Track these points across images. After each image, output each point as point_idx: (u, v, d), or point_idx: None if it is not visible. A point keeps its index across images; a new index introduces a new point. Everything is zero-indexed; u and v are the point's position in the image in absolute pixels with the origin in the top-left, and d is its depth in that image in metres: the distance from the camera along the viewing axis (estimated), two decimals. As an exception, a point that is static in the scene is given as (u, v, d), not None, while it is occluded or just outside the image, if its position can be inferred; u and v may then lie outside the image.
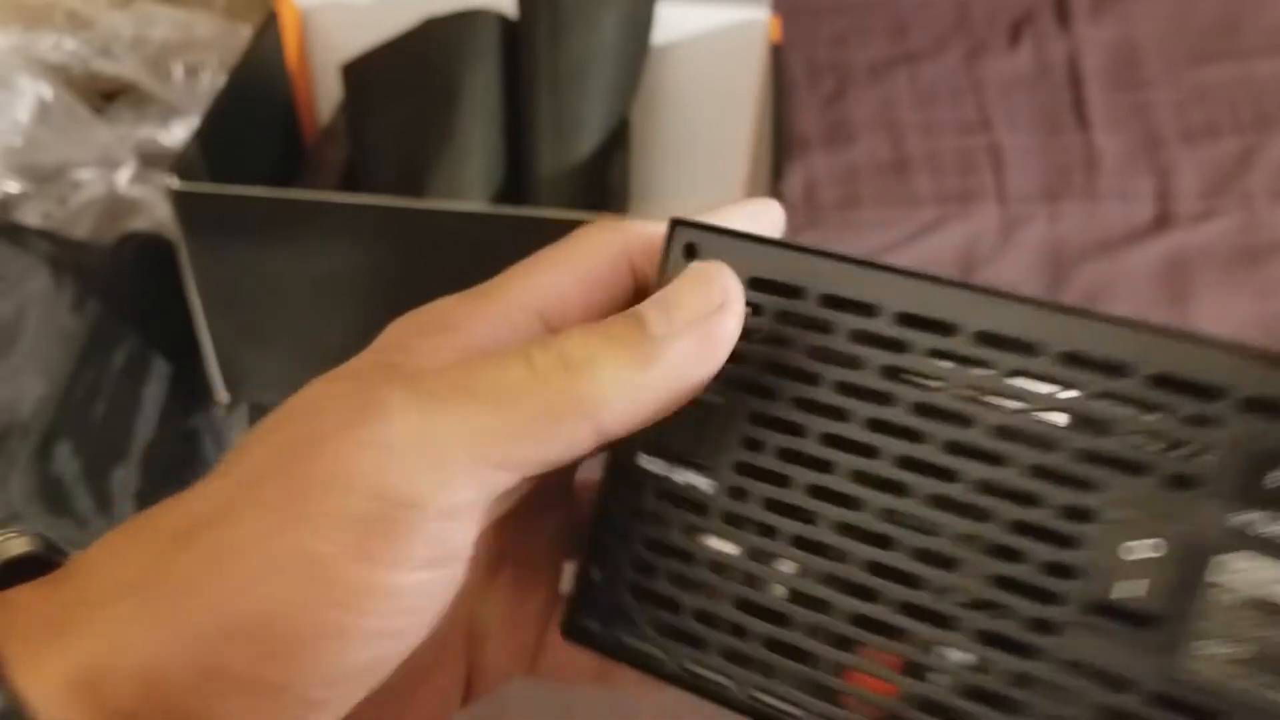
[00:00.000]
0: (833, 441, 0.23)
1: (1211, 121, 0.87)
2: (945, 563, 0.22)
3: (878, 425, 0.23)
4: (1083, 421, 0.21)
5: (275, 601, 0.19)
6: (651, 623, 0.24)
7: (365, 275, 0.64)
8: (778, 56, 0.76)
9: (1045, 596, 0.21)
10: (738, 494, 0.24)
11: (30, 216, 0.75)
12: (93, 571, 0.20)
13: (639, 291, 0.24)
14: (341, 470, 0.19)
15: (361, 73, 0.76)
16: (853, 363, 0.23)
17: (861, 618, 0.23)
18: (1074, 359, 0.21)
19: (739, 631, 0.24)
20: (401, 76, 0.73)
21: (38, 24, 0.79)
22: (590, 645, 0.25)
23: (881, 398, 0.23)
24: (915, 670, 0.22)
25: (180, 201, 0.60)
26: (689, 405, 0.22)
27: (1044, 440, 0.22)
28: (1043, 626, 0.21)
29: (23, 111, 0.76)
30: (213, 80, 0.81)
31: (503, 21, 0.73)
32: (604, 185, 0.75)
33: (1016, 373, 0.22)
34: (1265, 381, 0.20)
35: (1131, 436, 0.21)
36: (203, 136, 0.64)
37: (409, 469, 0.19)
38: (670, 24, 0.78)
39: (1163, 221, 0.81)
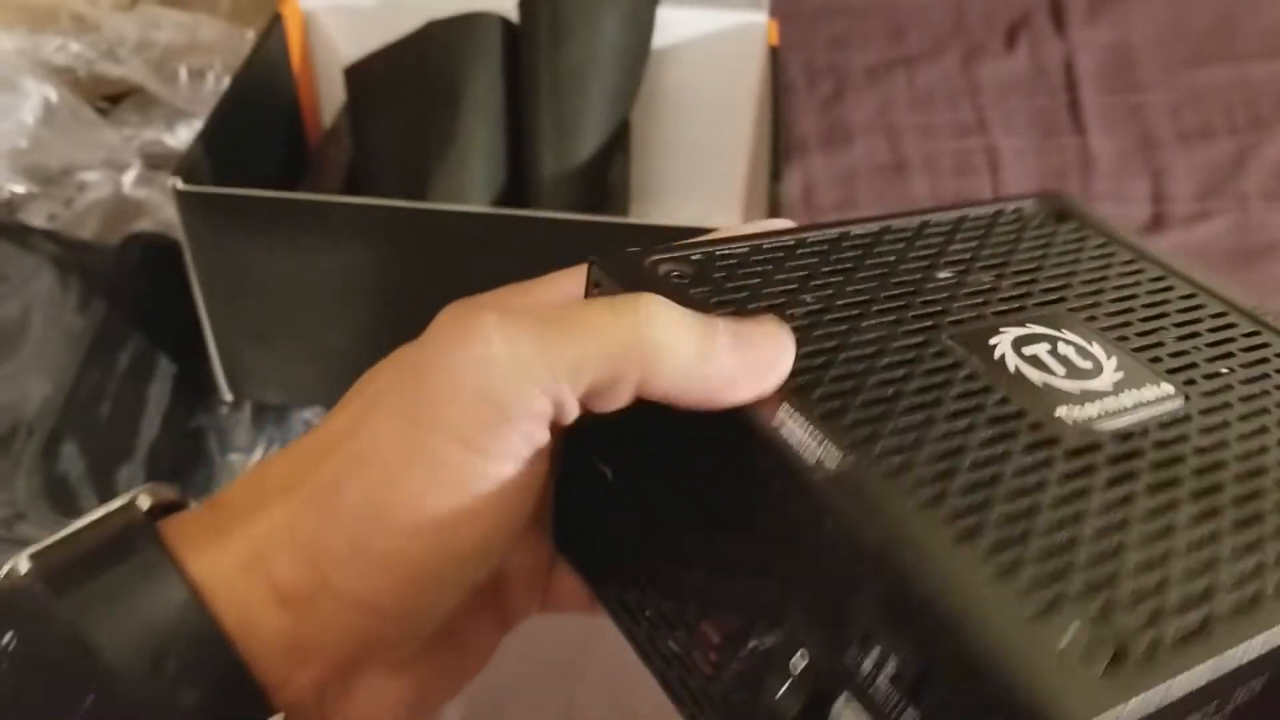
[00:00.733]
0: None
1: (1206, 124, 0.88)
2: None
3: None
4: None
5: (410, 490, 0.22)
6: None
7: (368, 276, 0.64)
8: (776, 59, 0.76)
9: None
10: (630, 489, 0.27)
11: (36, 217, 0.75)
12: (243, 492, 0.24)
13: None
14: (451, 382, 0.22)
15: (364, 75, 0.76)
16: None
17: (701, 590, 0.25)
18: None
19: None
20: (403, 79, 0.74)
21: (43, 27, 0.80)
22: (569, 559, 0.29)
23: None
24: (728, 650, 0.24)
25: (185, 202, 0.61)
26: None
27: None
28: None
29: (28, 113, 0.76)
30: (217, 83, 0.81)
31: (504, 24, 0.73)
32: (604, 187, 0.75)
33: None
34: None
35: None
36: (207, 138, 0.64)
37: (503, 380, 0.22)
38: (670, 27, 0.79)
39: (1158, 223, 0.82)
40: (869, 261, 0.29)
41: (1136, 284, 0.31)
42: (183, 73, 0.81)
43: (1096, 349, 0.27)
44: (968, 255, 0.30)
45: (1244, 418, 0.26)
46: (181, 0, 0.84)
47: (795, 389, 0.23)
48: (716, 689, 0.24)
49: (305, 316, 0.67)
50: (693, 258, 0.28)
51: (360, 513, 0.23)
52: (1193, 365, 0.27)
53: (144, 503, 0.24)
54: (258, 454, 0.69)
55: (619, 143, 0.76)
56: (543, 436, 0.23)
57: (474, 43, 0.72)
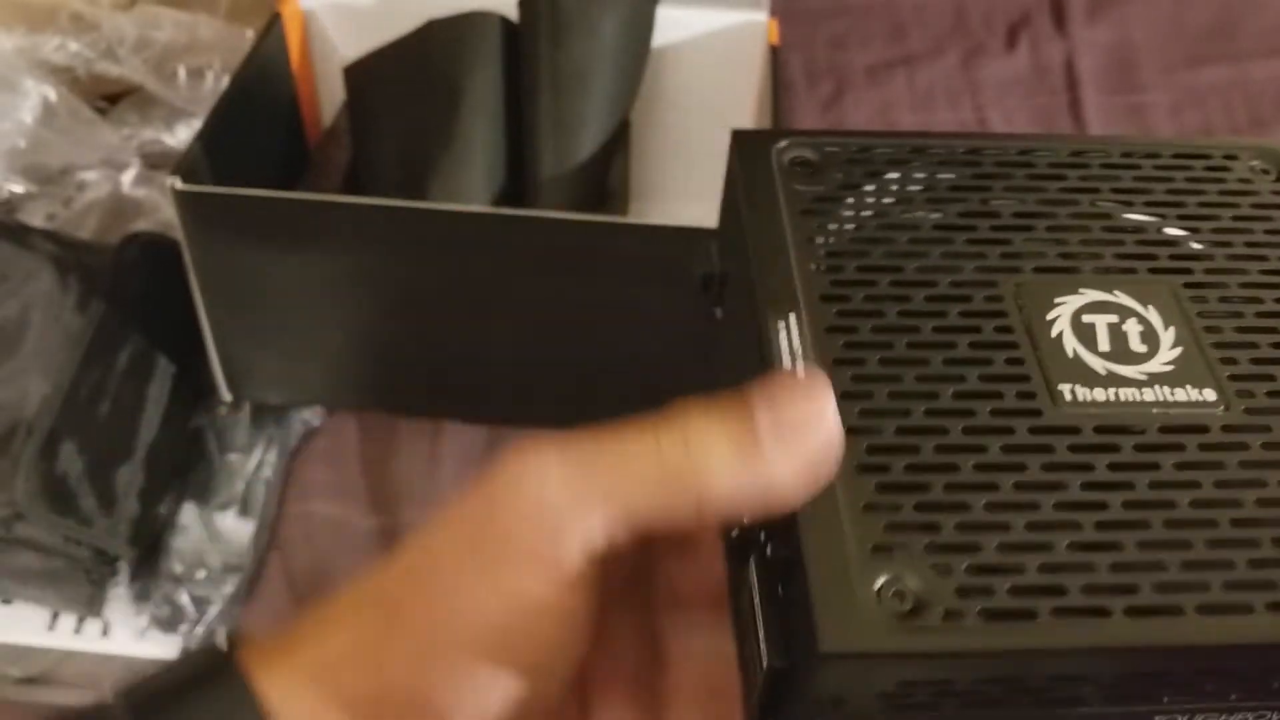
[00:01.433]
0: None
1: (1206, 124, 0.88)
2: None
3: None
4: None
5: (466, 603, 0.24)
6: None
7: (368, 276, 0.64)
8: (776, 58, 0.76)
9: None
10: None
11: (35, 217, 0.75)
12: (312, 614, 0.26)
13: None
14: (509, 507, 0.24)
15: (363, 74, 0.76)
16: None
17: None
18: None
19: None
20: (403, 78, 0.74)
21: (42, 26, 0.80)
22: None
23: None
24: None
25: (184, 202, 0.61)
26: None
27: None
28: None
29: (27, 113, 0.76)
30: (216, 82, 0.81)
31: (504, 24, 0.73)
32: (604, 187, 0.75)
33: None
34: None
35: None
36: (206, 138, 0.64)
37: (555, 510, 0.24)
38: (670, 26, 0.79)
39: (1158, 223, 0.82)
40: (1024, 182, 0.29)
41: None
42: (182, 72, 0.81)
43: (1169, 334, 0.26)
44: (1144, 192, 0.29)
45: (1268, 446, 0.25)
46: (181, 0, 0.84)
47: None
48: None
49: (305, 316, 0.67)
50: (827, 148, 0.28)
51: (420, 622, 0.24)
52: (1270, 379, 0.26)
53: (222, 639, 0.26)
54: (256, 454, 0.69)
55: (619, 143, 0.76)
56: (594, 566, 0.24)
57: (474, 42, 0.72)
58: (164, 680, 0.25)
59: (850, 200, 0.28)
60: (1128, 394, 0.25)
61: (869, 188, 0.28)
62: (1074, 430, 0.24)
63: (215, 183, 0.63)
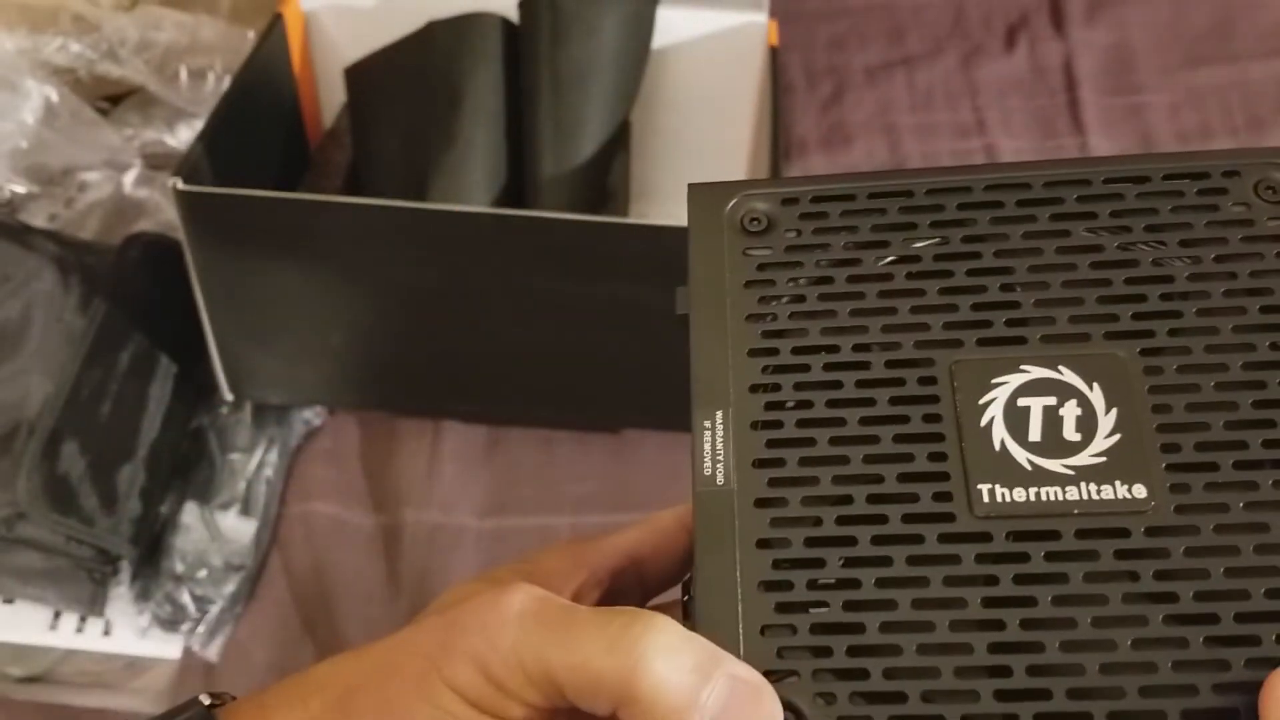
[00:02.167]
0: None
1: (1205, 124, 0.88)
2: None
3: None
4: None
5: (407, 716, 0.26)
6: None
7: (369, 276, 0.64)
8: (775, 60, 0.76)
9: None
10: None
11: (37, 218, 0.75)
12: (285, 687, 0.28)
13: None
14: (465, 644, 0.26)
15: (364, 76, 0.76)
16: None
17: None
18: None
19: None
20: (404, 79, 0.74)
21: (44, 27, 0.80)
22: None
23: None
24: None
25: (185, 203, 0.61)
26: None
27: None
28: None
29: (29, 114, 0.76)
30: (218, 83, 0.81)
31: (505, 25, 0.73)
32: (604, 187, 0.75)
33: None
34: None
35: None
36: (208, 139, 0.64)
37: (504, 664, 0.25)
38: (670, 27, 0.79)
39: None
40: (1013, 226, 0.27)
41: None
42: (183, 73, 0.81)
43: (1109, 418, 0.24)
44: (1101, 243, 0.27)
45: (1194, 553, 0.23)
46: (182, 0, 0.84)
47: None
48: None
49: (305, 316, 0.67)
50: (784, 199, 0.28)
51: (369, 716, 0.26)
52: (1213, 468, 0.24)
53: (204, 699, 0.29)
54: (258, 454, 0.69)
55: (619, 143, 0.76)
56: (535, 714, 0.26)
57: (474, 43, 0.72)
58: None
59: (798, 264, 0.27)
60: (1050, 493, 0.24)
61: (819, 247, 0.27)
62: (985, 538, 0.23)
63: (216, 183, 0.63)
